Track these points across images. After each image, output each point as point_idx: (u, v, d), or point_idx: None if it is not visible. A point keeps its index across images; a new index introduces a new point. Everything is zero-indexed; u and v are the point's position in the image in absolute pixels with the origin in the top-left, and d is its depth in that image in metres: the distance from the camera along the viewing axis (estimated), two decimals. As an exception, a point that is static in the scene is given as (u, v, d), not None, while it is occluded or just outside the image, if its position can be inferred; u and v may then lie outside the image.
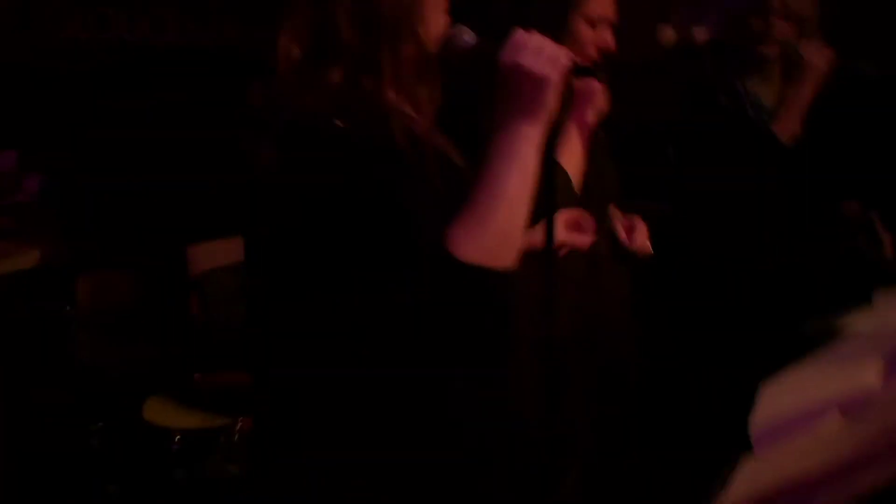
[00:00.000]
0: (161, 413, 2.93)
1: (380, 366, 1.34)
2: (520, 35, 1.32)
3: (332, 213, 1.26)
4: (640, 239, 2.30)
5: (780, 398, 1.52)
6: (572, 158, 2.23)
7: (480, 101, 1.38)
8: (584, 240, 2.07)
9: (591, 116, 2.27)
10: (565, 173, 2.19)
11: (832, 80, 2.43)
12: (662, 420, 2.62)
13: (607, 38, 2.24)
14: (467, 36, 1.43)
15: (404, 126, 1.30)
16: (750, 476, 1.29)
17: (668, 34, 2.35)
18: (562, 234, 1.98)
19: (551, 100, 1.32)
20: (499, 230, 1.28)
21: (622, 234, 2.30)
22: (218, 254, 3.31)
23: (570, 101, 2.20)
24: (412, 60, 1.36)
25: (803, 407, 1.43)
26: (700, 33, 2.30)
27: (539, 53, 1.30)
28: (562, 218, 2.00)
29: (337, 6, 1.32)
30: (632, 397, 2.45)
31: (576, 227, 2.06)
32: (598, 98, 2.25)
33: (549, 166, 1.91)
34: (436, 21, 1.39)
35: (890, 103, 2.47)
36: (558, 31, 2.10)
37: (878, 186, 2.70)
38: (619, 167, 2.39)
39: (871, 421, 1.25)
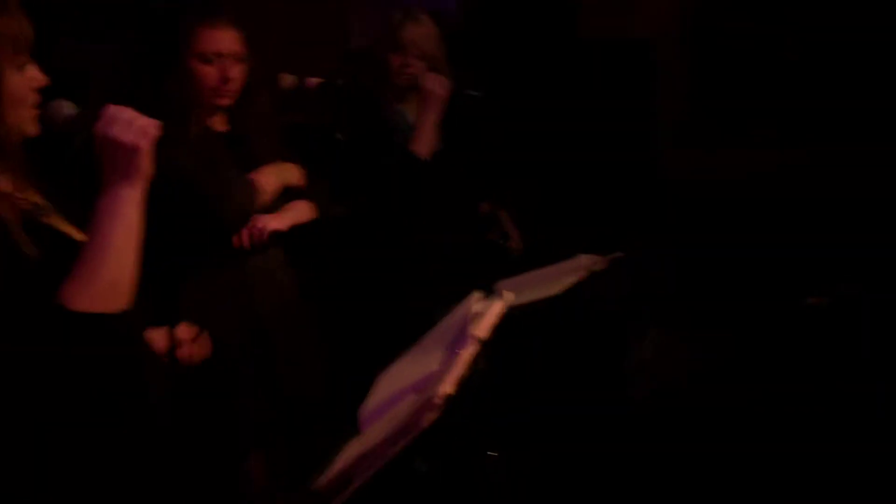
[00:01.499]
0: None
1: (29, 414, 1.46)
2: (111, 109, 1.47)
3: None
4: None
5: (383, 387, 1.87)
6: (269, 178, 2.50)
7: (89, 167, 1.56)
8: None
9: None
10: (252, 192, 2.45)
11: (452, 103, 2.86)
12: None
13: (230, 71, 2.43)
14: (65, 109, 1.59)
15: None
16: (345, 452, 1.60)
17: (287, 80, 2.67)
18: None
19: (145, 164, 1.49)
20: (107, 279, 1.45)
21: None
22: None
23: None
24: None
25: (394, 392, 1.78)
26: (312, 82, 2.63)
27: (129, 125, 1.47)
28: None
29: None
30: (316, 390, 2.70)
31: None
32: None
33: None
34: (15, 110, 1.50)
35: (493, 119, 2.97)
36: (171, 70, 2.33)
37: (507, 189, 3.18)
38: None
39: (421, 396, 1.60)
